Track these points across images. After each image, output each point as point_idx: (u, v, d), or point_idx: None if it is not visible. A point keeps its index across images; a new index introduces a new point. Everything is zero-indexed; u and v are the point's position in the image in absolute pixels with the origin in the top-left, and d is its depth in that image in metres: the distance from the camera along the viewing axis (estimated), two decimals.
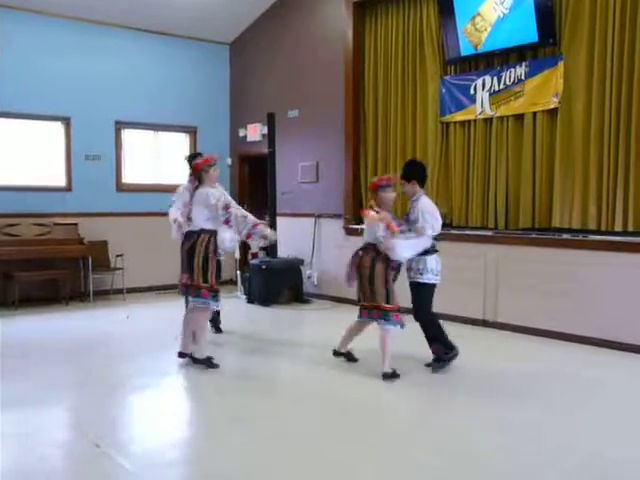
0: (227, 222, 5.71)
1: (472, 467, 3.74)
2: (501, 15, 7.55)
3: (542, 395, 5.08)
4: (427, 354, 5.70)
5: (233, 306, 8.94)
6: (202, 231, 5.71)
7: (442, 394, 5.15)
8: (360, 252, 5.54)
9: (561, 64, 7.13)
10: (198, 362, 5.79)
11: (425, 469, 3.73)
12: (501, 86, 7.69)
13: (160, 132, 10.79)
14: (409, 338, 5.63)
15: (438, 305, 7.76)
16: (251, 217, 5.82)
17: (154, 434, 4.40)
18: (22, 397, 4.91)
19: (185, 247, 5.78)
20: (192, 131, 11.08)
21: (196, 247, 5.66)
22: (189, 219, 5.84)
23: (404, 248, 5.34)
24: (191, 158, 6.71)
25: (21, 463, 3.73)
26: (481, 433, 4.26)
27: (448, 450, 3.98)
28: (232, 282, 10.41)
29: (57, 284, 9.26)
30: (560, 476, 3.65)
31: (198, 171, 5.87)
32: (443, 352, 5.64)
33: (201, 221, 5.74)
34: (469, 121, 8.10)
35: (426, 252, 5.49)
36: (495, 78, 7.74)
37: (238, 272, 10.08)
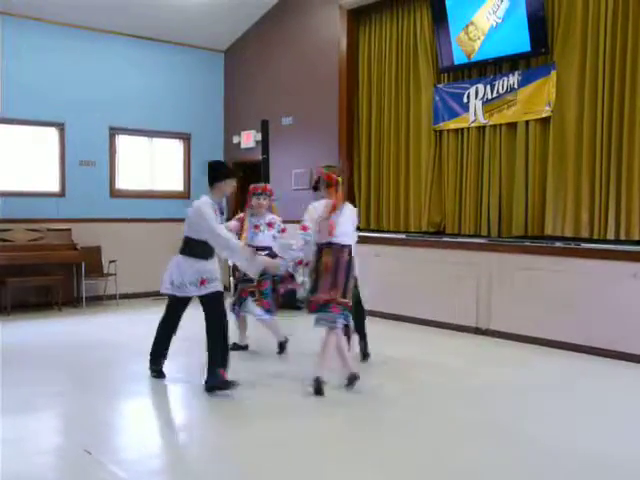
0: None
1: (473, 473, 3.74)
2: (494, 24, 7.60)
3: (535, 402, 5.09)
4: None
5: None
6: (348, 247, 5.33)
7: (434, 400, 5.15)
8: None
9: (553, 73, 7.18)
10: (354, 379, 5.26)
11: (420, 477, 3.74)
12: (494, 95, 7.73)
13: (154, 138, 10.80)
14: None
15: (431, 312, 7.84)
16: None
17: (146, 441, 4.38)
18: (13, 403, 4.88)
19: (330, 262, 5.26)
20: (186, 138, 11.09)
21: (342, 263, 5.28)
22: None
23: None
24: (217, 166, 5.50)
25: (11, 470, 3.70)
26: (475, 439, 4.26)
27: (444, 459, 3.99)
28: (225, 288, 10.39)
29: (50, 290, 9.23)
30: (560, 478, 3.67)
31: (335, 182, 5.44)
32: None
33: (349, 237, 5.39)
34: (462, 129, 8.14)
35: None
36: (488, 87, 7.79)
37: (231, 278, 10.07)
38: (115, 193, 10.31)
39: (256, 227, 6.31)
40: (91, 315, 8.89)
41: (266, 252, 6.04)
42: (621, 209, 6.70)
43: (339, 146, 9.43)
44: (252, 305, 6.35)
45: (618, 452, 4.08)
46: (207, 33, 10.69)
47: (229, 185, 5.38)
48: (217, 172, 5.36)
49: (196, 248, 5.27)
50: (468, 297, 7.66)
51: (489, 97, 7.79)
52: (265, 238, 6.32)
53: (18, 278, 8.84)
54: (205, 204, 5.21)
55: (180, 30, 10.39)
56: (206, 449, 4.13)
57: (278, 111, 10.20)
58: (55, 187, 9.78)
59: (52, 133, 9.75)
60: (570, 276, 6.78)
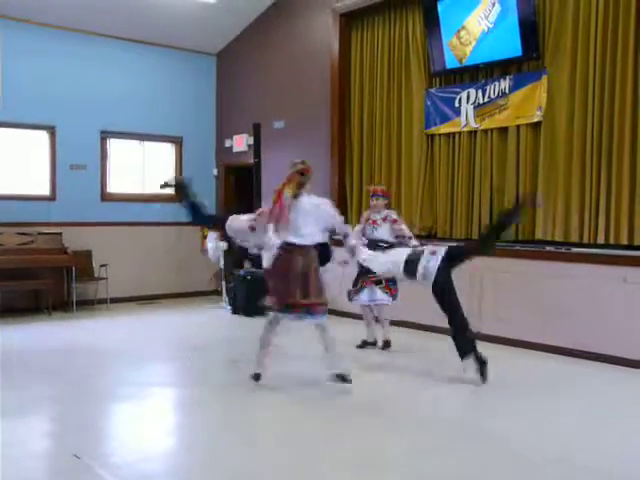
0: None
1: (450, 476, 3.74)
2: (486, 29, 7.62)
3: (524, 406, 5.10)
4: None
5: (218, 317, 8.93)
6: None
7: (417, 405, 5.14)
8: None
9: (545, 78, 7.21)
10: None
11: (410, 476, 3.74)
12: (485, 99, 7.76)
13: (146, 142, 10.78)
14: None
15: (422, 316, 7.83)
16: None
17: (136, 446, 4.36)
18: (2, 407, 4.85)
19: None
20: (178, 141, 11.07)
21: None
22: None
23: None
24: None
25: (0, 474, 3.68)
26: (466, 443, 4.26)
27: (429, 461, 3.99)
28: (217, 292, 10.40)
29: (40, 294, 9.19)
30: None
31: None
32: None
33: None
34: (454, 133, 8.16)
35: None
36: (480, 91, 7.82)
37: (223, 282, 10.05)
38: (106, 197, 10.27)
39: (374, 222, 7.00)
40: (81, 319, 8.84)
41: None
42: (611, 213, 6.72)
43: (331, 150, 9.43)
44: (378, 292, 6.68)
45: (604, 458, 4.09)
46: (199, 36, 10.69)
47: None
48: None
49: None
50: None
51: (480, 102, 7.81)
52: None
53: (8, 282, 8.79)
54: None
55: (172, 33, 10.38)
56: (196, 454, 4.11)
57: (270, 115, 10.20)
58: (46, 191, 9.74)
59: (43, 136, 9.71)
60: (560, 280, 6.80)
